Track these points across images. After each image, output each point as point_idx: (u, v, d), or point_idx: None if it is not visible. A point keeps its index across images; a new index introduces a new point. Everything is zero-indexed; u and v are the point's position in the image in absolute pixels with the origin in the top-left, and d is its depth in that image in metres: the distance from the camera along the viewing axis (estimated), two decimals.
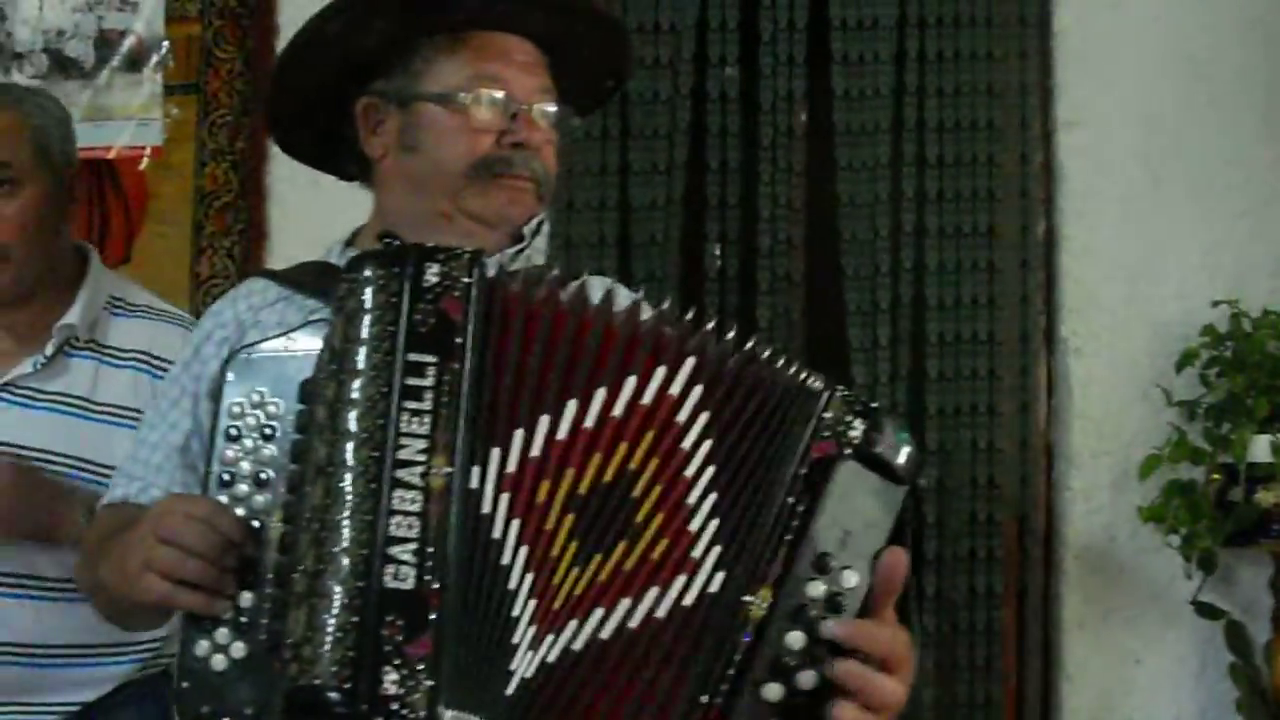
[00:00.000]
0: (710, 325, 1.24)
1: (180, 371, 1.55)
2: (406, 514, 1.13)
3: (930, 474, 3.05)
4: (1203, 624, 2.90)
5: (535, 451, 1.18)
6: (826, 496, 1.15)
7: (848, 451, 1.16)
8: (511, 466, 1.17)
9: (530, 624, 1.15)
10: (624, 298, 1.51)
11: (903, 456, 1.18)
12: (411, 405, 1.16)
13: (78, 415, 2.03)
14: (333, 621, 1.11)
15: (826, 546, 1.14)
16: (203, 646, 1.23)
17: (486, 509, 1.16)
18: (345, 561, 1.13)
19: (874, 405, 1.20)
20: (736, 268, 3.14)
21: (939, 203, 3.09)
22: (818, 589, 1.14)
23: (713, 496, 1.17)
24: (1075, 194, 3.08)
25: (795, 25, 3.13)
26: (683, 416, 1.19)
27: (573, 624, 1.15)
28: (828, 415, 1.17)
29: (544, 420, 1.18)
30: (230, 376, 1.29)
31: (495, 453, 1.17)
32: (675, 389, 1.19)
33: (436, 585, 1.13)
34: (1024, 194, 3.09)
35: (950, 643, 3.03)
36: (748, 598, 1.14)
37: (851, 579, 1.14)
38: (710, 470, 1.18)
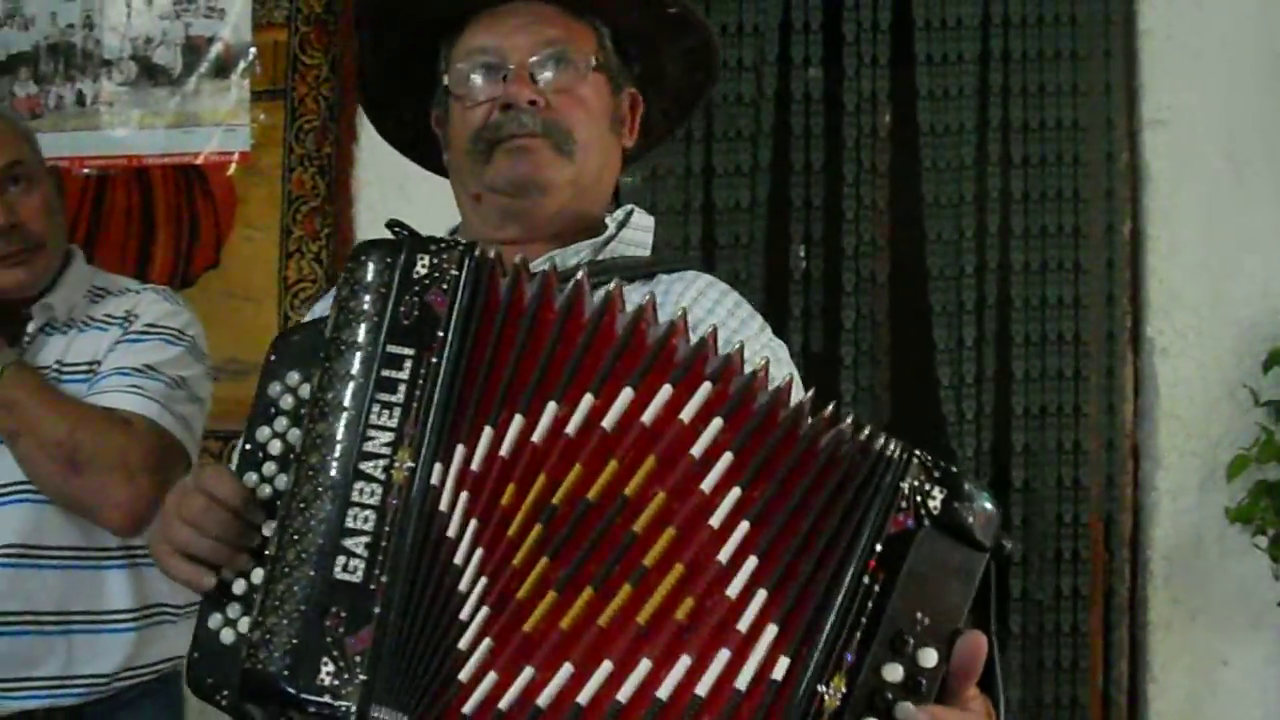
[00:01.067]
0: (748, 361, 1.16)
1: None
2: (364, 506, 1.13)
3: (1017, 475, 3.05)
4: None
5: (504, 451, 1.15)
6: (903, 573, 1.06)
7: (926, 524, 1.07)
8: (476, 464, 1.15)
9: (482, 634, 1.12)
10: (713, 296, 1.48)
11: (984, 519, 1.08)
12: (384, 397, 1.16)
13: (53, 382, 2.06)
14: (284, 608, 1.12)
15: (904, 625, 1.06)
16: (215, 619, 1.23)
17: (444, 506, 1.14)
18: (304, 550, 1.13)
19: (954, 470, 1.10)
20: (821, 269, 3.14)
21: (1024, 203, 3.08)
22: (895, 673, 1.05)
23: (752, 561, 1.09)
24: (1161, 193, 3.05)
25: (879, 26, 3.13)
26: (697, 450, 1.12)
27: (567, 665, 1.10)
28: (904, 485, 1.07)
29: (517, 420, 1.15)
30: (273, 358, 1.28)
31: (460, 449, 1.15)
32: (686, 415, 1.13)
33: (385, 579, 1.12)
34: (1109, 193, 3.07)
35: (1036, 644, 3.03)
36: (821, 688, 1.05)
37: (930, 658, 1.06)
38: (744, 527, 1.10)
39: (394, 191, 3.01)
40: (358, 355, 1.17)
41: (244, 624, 1.21)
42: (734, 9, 3.13)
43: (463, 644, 1.12)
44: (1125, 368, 3.07)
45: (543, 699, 1.10)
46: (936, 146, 3.10)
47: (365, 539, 1.13)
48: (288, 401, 1.26)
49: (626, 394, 1.14)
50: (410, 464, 1.14)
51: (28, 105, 3.15)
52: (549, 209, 1.47)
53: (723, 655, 1.07)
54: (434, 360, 1.16)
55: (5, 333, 2.09)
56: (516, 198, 1.47)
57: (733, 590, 1.08)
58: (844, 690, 1.05)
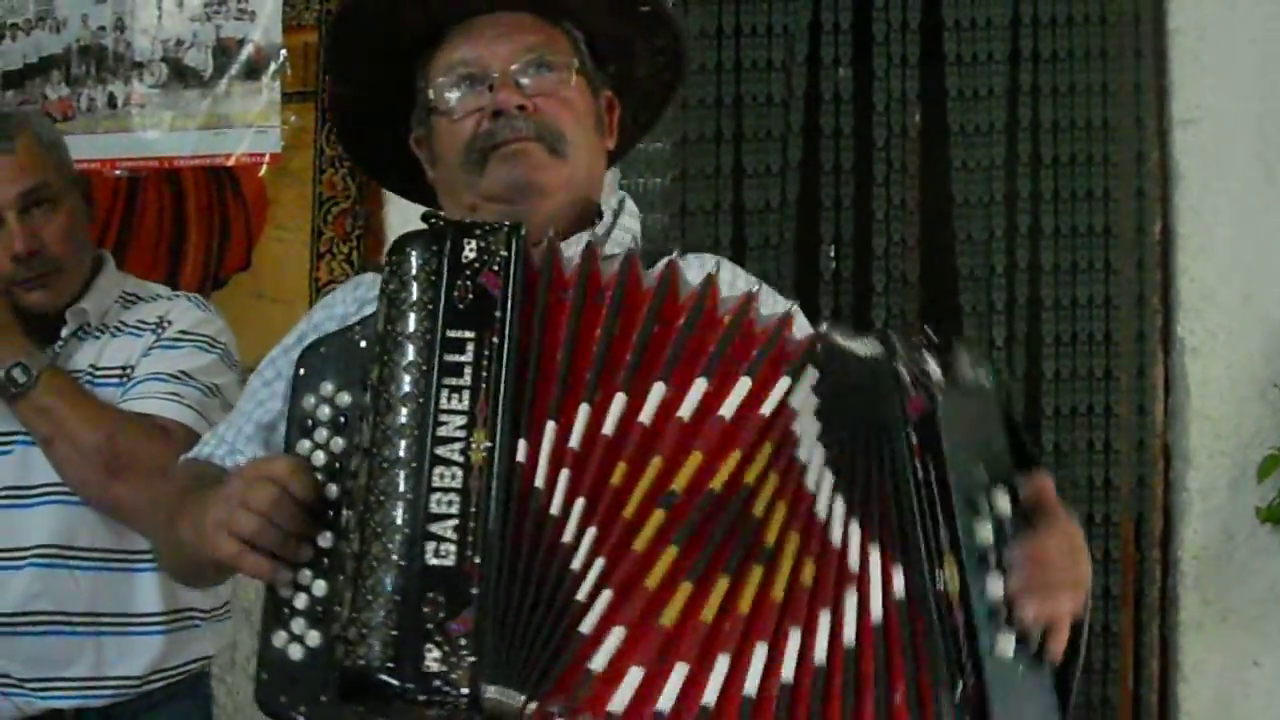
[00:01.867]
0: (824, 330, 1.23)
1: (279, 354, 1.57)
2: (446, 490, 1.13)
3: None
4: None
5: (607, 430, 1.16)
6: (945, 445, 1.14)
7: (938, 396, 1.16)
8: (575, 442, 1.16)
9: (608, 619, 1.13)
10: (741, 282, 1.51)
11: (974, 361, 1.19)
12: (451, 381, 1.16)
13: (87, 385, 2.09)
14: (377, 602, 1.12)
15: (970, 486, 1.14)
16: (280, 637, 1.23)
17: (539, 483, 1.15)
18: (389, 541, 1.13)
19: (928, 331, 1.21)
20: (851, 269, 3.14)
21: (1054, 203, 3.08)
22: (986, 530, 1.14)
23: (840, 503, 1.15)
24: (1191, 193, 3.04)
25: (908, 26, 3.12)
26: (798, 428, 1.18)
27: (722, 660, 1.12)
28: (903, 371, 1.17)
29: (620, 399, 1.17)
30: (302, 371, 1.29)
31: (550, 426, 1.16)
32: (796, 401, 1.18)
33: (478, 560, 1.12)
34: (1140, 193, 3.06)
35: None
36: (940, 581, 1.13)
37: (1005, 502, 1.15)
38: (829, 476, 1.16)
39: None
40: (418, 343, 1.18)
41: (312, 638, 1.21)
42: (764, 10, 3.13)
43: (585, 627, 1.13)
44: (1156, 367, 3.06)
45: (708, 697, 1.12)
46: (966, 146, 3.10)
47: (452, 522, 1.13)
48: (325, 412, 1.26)
49: (744, 383, 1.18)
50: (488, 444, 1.14)
51: (60, 107, 3.16)
52: (546, 212, 1.47)
53: (850, 600, 1.14)
54: (495, 340, 1.17)
55: (40, 337, 2.11)
56: (514, 203, 1.46)
57: (834, 537, 1.15)
58: (958, 568, 1.12)
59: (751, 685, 1.12)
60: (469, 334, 1.17)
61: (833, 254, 3.15)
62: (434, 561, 1.12)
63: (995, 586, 1.12)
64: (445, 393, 1.15)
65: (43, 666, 2.09)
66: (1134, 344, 3.06)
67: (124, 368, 2.11)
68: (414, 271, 1.19)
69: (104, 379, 2.12)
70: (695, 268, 1.46)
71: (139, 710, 2.12)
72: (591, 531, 1.14)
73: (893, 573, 1.14)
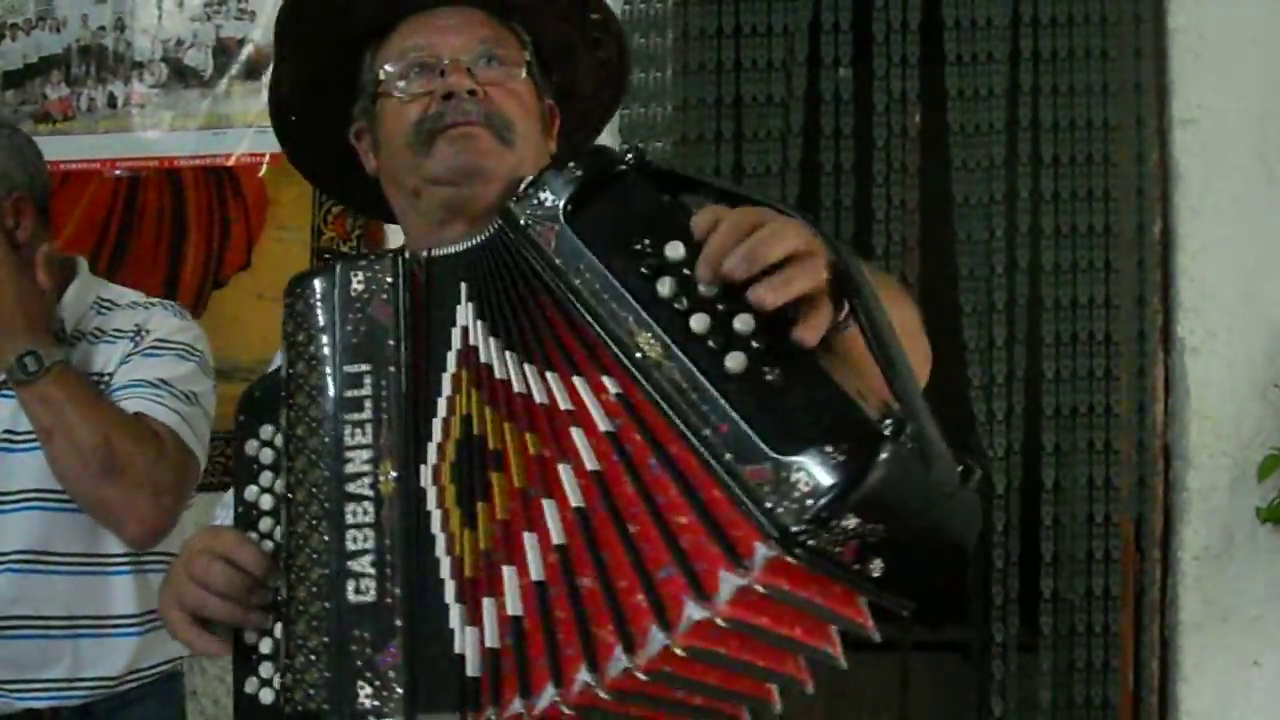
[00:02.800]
0: None
1: None
2: (361, 526, 1.15)
3: (1048, 475, 3.05)
4: None
5: (439, 436, 1.17)
6: (588, 245, 1.13)
7: (560, 213, 1.17)
8: (435, 457, 1.17)
9: (456, 603, 1.13)
10: None
11: (596, 162, 1.18)
12: (353, 416, 1.17)
13: None
14: (308, 645, 1.13)
15: (634, 264, 1.10)
16: (251, 683, 1.24)
17: (430, 505, 1.16)
18: (312, 584, 1.15)
19: (538, 174, 1.22)
20: None
21: (1054, 202, 3.08)
22: (665, 286, 1.08)
23: (526, 370, 1.16)
24: (1192, 192, 3.04)
25: (908, 26, 3.12)
26: (484, 356, 1.18)
27: (507, 570, 1.12)
28: (524, 220, 1.19)
29: (440, 402, 1.18)
30: (241, 417, 1.30)
31: (430, 446, 1.17)
32: (474, 339, 1.19)
33: (398, 590, 1.13)
34: (1140, 193, 3.06)
35: (1068, 644, 3.03)
36: (638, 356, 1.08)
37: (676, 250, 1.08)
38: (502, 357, 1.18)
39: None
40: (318, 383, 1.19)
41: (279, 681, 1.22)
42: (763, 9, 3.14)
43: (450, 623, 1.13)
44: (1156, 367, 3.06)
45: (511, 609, 1.11)
46: (966, 146, 3.10)
47: (370, 557, 1.14)
48: (267, 455, 1.27)
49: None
50: (395, 473, 1.16)
51: (60, 107, 3.16)
52: (489, 197, 1.45)
53: (576, 435, 1.12)
54: (391, 369, 1.18)
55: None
56: (458, 186, 1.45)
57: (538, 398, 1.15)
58: (650, 335, 1.08)
59: (535, 570, 1.11)
60: (365, 367, 1.18)
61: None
62: (355, 599, 1.13)
63: (698, 321, 1.06)
64: (349, 428, 1.17)
65: (19, 668, 2.10)
66: (1134, 344, 3.06)
67: (100, 374, 2.10)
68: (309, 311, 1.21)
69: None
70: None
71: (114, 708, 2.13)
72: (444, 536, 1.15)
73: (600, 383, 1.11)
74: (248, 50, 3.14)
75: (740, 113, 3.14)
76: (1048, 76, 3.09)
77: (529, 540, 1.12)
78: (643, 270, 1.09)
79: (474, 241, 1.24)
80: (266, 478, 1.27)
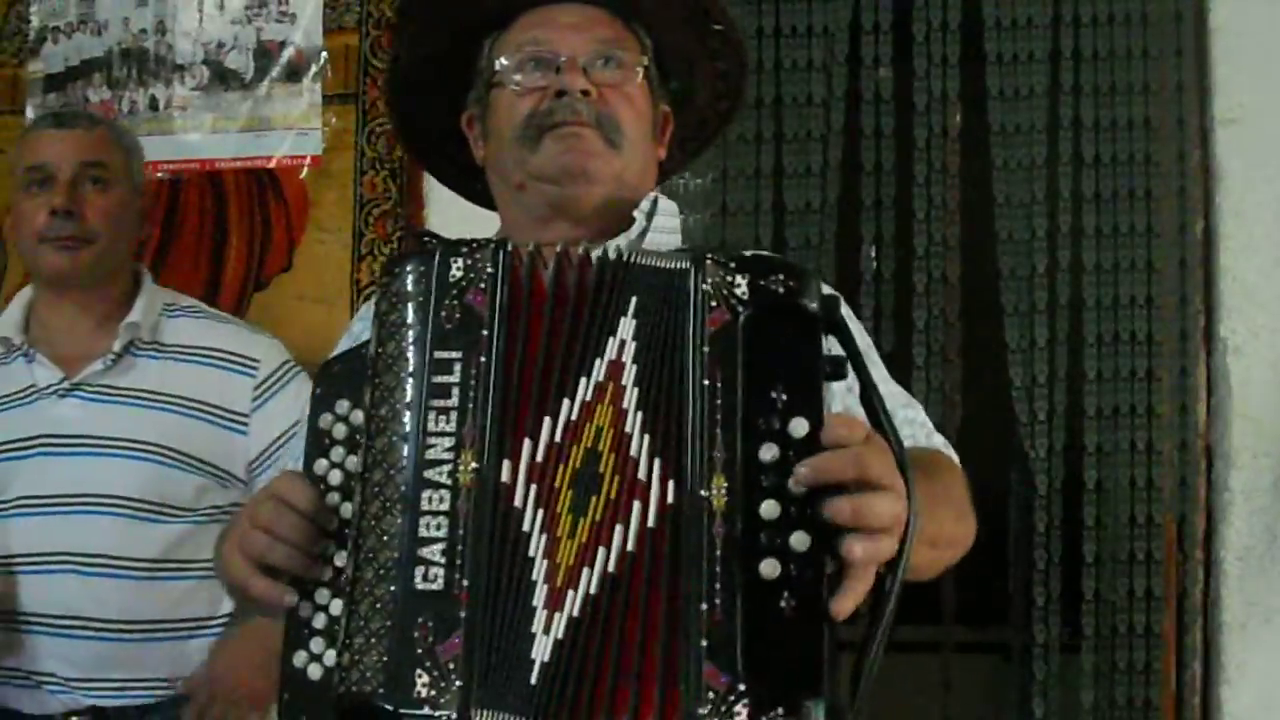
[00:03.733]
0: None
1: None
2: (435, 514, 1.14)
3: (1090, 475, 3.04)
4: None
5: (558, 436, 1.16)
6: (740, 364, 1.13)
7: (740, 310, 1.14)
8: (540, 455, 1.16)
9: (544, 608, 1.13)
10: None
11: (797, 286, 1.15)
12: (438, 403, 1.16)
13: (149, 406, 2.18)
14: (370, 626, 1.12)
15: (764, 409, 1.12)
16: (300, 657, 1.23)
17: (518, 502, 1.15)
18: (380, 566, 1.14)
19: (747, 254, 1.17)
20: (892, 269, 3.14)
21: (1096, 202, 3.06)
22: (771, 451, 1.10)
23: (640, 416, 1.15)
24: (1233, 192, 3.02)
25: (949, 25, 3.12)
26: (626, 357, 1.17)
27: (570, 592, 1.13)
28: (708, 286, 1.15)
29: (565, 404, 1.17)
30: (318, 390, 1.30)
31: (526, 443, 1.16)
32: (624, 335, 1.18)
33: (467, 583, 1.12)
34: (1182, 192, 3.05)
35: (1109, 645, 3.02)
36: (704, 493, 1.11)
37: (801, 427, 1.11)
38: (636, 392, 1.15)
39: None
40: (406, 366, 1.18)
41: (329, 657, 1.21)
42: (803, 10, 3.13)
43: (533, 626, 1.12)
44: (1198, 367, 3.04)
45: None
46: (1007, 146, 3.09)
47: (441, 545, 1.13)
48: (340, 430, 1.26)
49: (612, 344, 1.19)
50: (475, 465, 1.15)
51: (101, 110, 3.16)
52: (593, 199, 1.48)
53: (635, 508, 1.13)
54: (482, 359, 1.17)
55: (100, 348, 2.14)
56: (562, 185, 1.47)
57: (635, 451, 1.15)
58: (726, 485, 1.11)
59: (577, 608, 1.12)
60: (455, 354, 1.17)
61: (873, 254, 3.14)
62: (423, 586, 1.13)
63: (768, 508, 1.09)
64: (433, 415, 1.16)
65: (84, 668, 2.11)
66: (1176, 344, 3.05)
67: (201, 403, 2.18)
68: (405, 292, 1.20)
69: (170, 405, 2.16)
70: None
71: (166, 710, 2.15)
72: (544, 538, 1.14)
73: (668, 483, 1.13)
74: (288, 53, 3.14)
75: (780, 113, 3.13)
76: (1088, 76, 3.08)
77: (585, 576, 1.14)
78: (760, 421, 1.12)
79: (659, 263, 1.21)
80: (338, 453, 1.26)
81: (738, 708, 1.07)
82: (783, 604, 1.08)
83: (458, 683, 1.10)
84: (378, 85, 3.09)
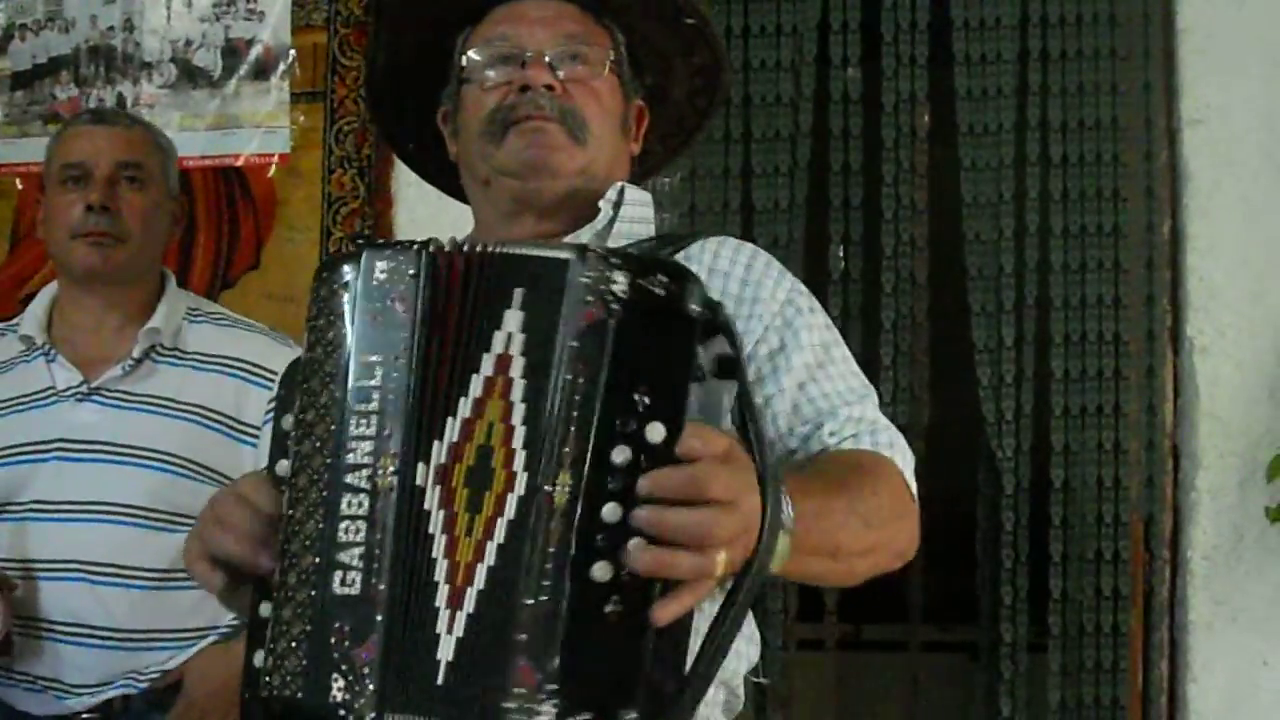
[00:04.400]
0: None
1: None
2: (355, 518, 1.14)
3: (1057, 475, 3.05)
4: None
5: (456, 436, 1.15)
6: (606, 362, 1.10)
7: (615, 308, 1.10)
8: (445, 456, 1.15)
9: (446, 607, 1.12)
10: (743, 256, 1.49)
11: (679, 290, 1.11)
12: (360, 407, 1.15)
13: (165, 414, 2.16)
14: (291, 631, 1.13)
15: (624, 410, 1.09)
16: (259, 656, 1.22)
17: (427, 505, 1.14)
18: (302, 570, 1.14)
19: (633, 253, 1.15)
20: (860, 269, 3.15)
21: (1063, 202, 3.07)
22: (624, 454, 1.08)
23: (523, 408, 1.13)
24: (1200, 192, 3.04)
25: (917, 25, 3.13)
26: (515, 349, 1.15)
27: (467, 589, 1.12)
28: (586, 279, 1.11)
29: (461, 402, 1.16)
30: (281, 392, 1.29)
31: (435, 445, 1.15)
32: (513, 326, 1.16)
33: (382, 587, 1.12)
34: (1149, 193, 3.06)
35: (1077, 644, 3.03)
36: (547, 487, 1.09)
37: (658, 432, 1.08)
38: (522, 385, 1.14)
39: (433, 192, 3.00)
40: (332, 371, 1.18)
41: None
42: (772, 9, 3.14)
43: (438, 627, 1.12)
44: (1165, 367, 3.06)
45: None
46: (975, 146, 3.10)
47: (359, 550, 1.13)
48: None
49: (499, 337, 1.16)
50: (394, 468, 1.14)
51: (68, 108, 3.16)
52: (557, 193, 1.48)
53: (509, 500, 1.11)
54: (402, 362, 1.16)
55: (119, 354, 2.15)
56: (526, 180, 1.47)
57: (515, 442, 1.12)
58: (570, 483, 1.08)
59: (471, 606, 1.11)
60: (377, 358, 1.16)
61: (841, 254, 3.15)
62: (340, 590, 1.13)
63: (610, 510, 1.07)
64: (355, 419, 1.15)
65: (86, 673, 2.12)
66: (1143, 343, 3.06)
67: (217, 413, 2.17)
68: (331, 296, 1.19)
69: (186, 414, 2.16)
70: (695, 254, 1.46)
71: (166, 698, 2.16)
72: (444, 539, 1.13)
73: (520, 479, 1.11)
74: (256, 51, 3.14)
75: (749, 112, 3.14)
76: (1056, 76, 3.09)
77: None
78: (618, 420, 1.09)
79: (540, 252, 1.19)
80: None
81: (544, 707, 1.06)
82: (609, 608, 1.07)
83: (371, 686, 1.10)
84: (346, 83, 3.10)
